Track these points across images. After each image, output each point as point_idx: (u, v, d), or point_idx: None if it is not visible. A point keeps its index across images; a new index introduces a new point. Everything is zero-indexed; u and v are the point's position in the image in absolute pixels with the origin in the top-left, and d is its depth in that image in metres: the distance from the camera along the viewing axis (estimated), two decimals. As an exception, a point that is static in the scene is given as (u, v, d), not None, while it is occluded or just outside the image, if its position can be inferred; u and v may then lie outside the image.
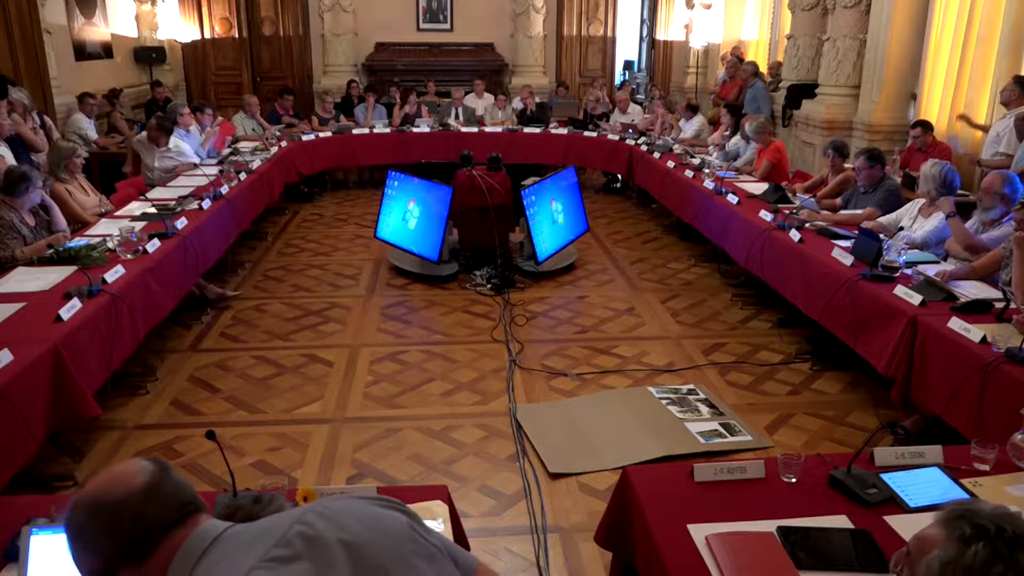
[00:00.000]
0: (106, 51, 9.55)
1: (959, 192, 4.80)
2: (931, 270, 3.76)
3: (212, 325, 4.94)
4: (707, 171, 6.38)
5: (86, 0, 8.98)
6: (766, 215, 4.93)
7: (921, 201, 4.42)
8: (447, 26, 11.74)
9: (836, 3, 7.45)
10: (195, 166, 6.41)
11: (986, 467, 2.20)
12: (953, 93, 6.47)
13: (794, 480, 2.15)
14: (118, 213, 5.09)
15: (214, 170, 6.31)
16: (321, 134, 8.53)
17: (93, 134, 7.56)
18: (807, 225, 4.69)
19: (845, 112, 7.48)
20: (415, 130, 8.87)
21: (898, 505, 2.03)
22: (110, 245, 4.14)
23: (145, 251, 4.15)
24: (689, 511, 2.01)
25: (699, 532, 1.91)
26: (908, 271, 3.76)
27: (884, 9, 6.98)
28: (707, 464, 2.23)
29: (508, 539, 2.86)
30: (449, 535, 1.95)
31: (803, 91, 8.20)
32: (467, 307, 5.25)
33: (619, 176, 9.08)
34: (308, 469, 3.32)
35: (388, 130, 8.88)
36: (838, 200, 5.26)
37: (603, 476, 3.24)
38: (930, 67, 6.73)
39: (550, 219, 5.93)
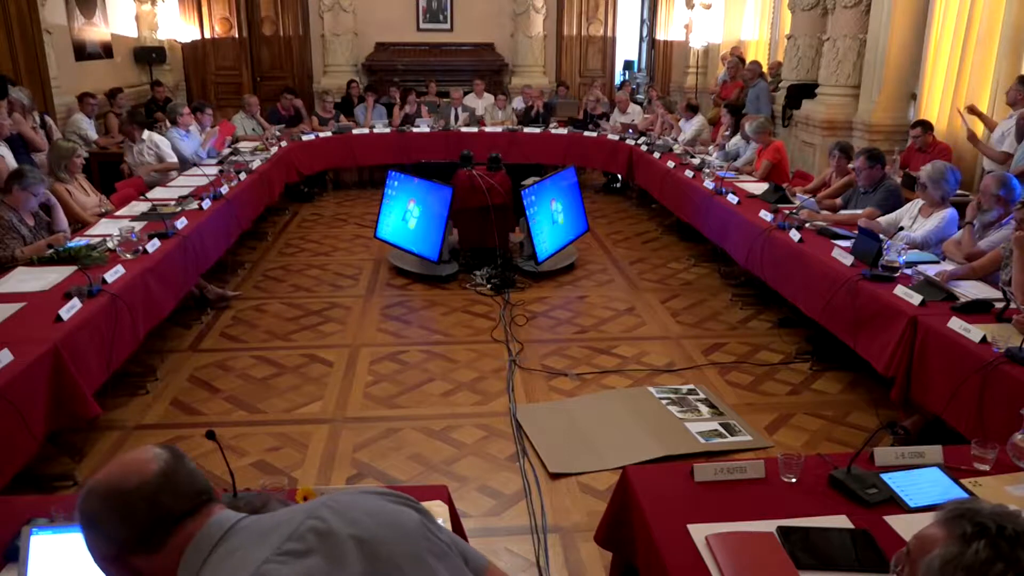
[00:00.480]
0: (106, 51, 9.55)
1: (959, 192, 4.81)
2: (931, 270, 3.77)
3: (212, 325, 4.94)
4: (707, 171, 6.38)
5: (86, 0, 8.98)
6: (766, 215, 4.93)
7: (921, 201, 4.42)
8: (447, 26, 11.74)
9: (836, 3, 7.45)
10: (177, 166, 6.31)
11: (986, 467, 2.20)
12: (953, 93, 6.46)
13: (794, 480, 2.15)
14: (118, 213, 5.09)
15: (214, 170, 6.31)
16: (321, 134, 8.53)
17: (93, 134, 7.56)
18: (807, 225, 4.69)
19: (845, 112, 7.48)
20: (415, 130, 8.87)
21: (898, 505, 2.03)
22: (110, 245, 4.14)
23: (145, 251, 4.15)
24: (689, 511, 2.01)
25: (699, 532, 1.91)
26: (908, 271, 3.76)
27: (884, 9, 6.97)
28: (707, 464, 2.23)
29: (508, 539, 2.86)
30: (449, 535, 1.95)
31: (803, 91, 8.19)
32: (467, 307, 5.25)
33: (619, 176, 9.09)
34: (308, 469, 3.32)
35: (388, 130, 8.88)
36: (838, 200, 5.26)
37: (603, 476, 3.24)
38: (930, 67, 6.73)
39: (550, 219, 5.93)
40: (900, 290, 3.51)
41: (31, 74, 7.19)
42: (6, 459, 2.68)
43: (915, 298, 3.41)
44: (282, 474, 3.17)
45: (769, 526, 1.92)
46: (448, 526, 1.99)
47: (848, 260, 3.99)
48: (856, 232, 4.26)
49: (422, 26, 11.72)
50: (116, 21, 9.87)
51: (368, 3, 11.36)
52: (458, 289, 5.60)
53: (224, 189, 5.62)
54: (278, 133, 8.20)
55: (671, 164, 6.90)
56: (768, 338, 4.74)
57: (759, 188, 5.86)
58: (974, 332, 3.02)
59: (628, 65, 14.62)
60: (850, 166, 5.32)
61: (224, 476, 2.87)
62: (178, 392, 4.04)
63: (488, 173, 5.85)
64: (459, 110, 9.43)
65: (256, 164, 6.67)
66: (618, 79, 13.07)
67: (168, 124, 6.98)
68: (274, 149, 7.45)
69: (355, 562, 1.09)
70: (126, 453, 1.21)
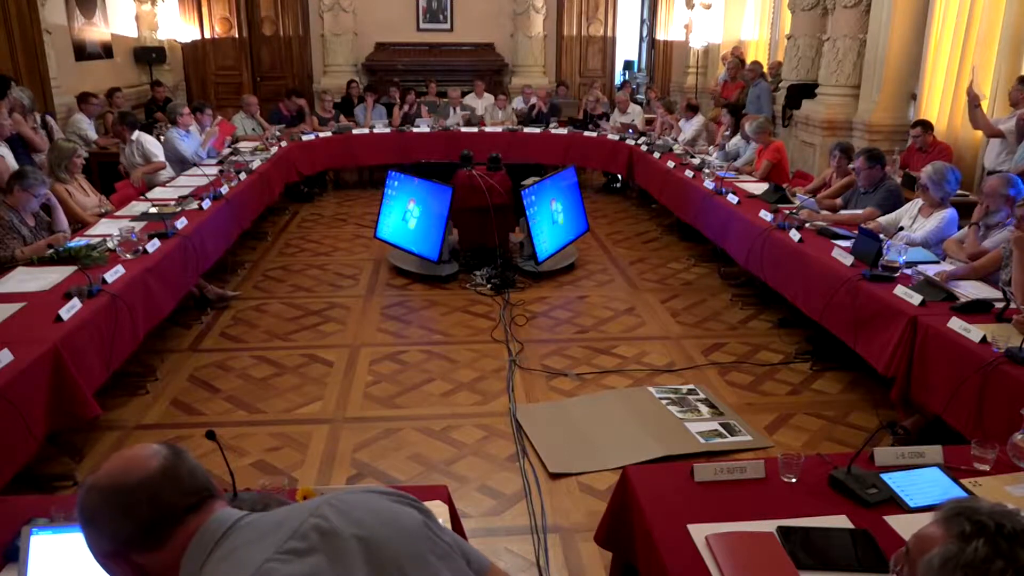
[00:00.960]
0: (106, 51, 9.55)
1: (959, 192, 4.81)
2: (931, 270, 3.77)
3: (212, 325, 4.94)
4: (707, 171, 6.38)
5: (86, 0, 8.98)
6: (766, 215, 4.93)
7: (921, 201, 4.42)
8: (447, 26, 11.74)
9: (836, 3, 7.45)
10: (164, 166, 6.22)
11: (986, 467, 2.20)
12: (953, 93, 6.47)
13: (794, 480, 2.15)
14: (118, 213, 5.09)
15: (214, 170, 6.30)
16: (321, 134, 8.53)
17: (93, 134, 7.55)
18: (807, 225, 4.69)
19: (845, 112, 7.48)
20: (415, 130, 8.87)
21: (898, 505, 2.03)
22: (110, 245, 4.14)
23: (145, 251, 4.15)
24: (689, 511, 2.01)
25: (699, 532, 1.91)
26: (908, 271, 3.76)
27: (884, 9, 6.98)
28: (707, 464, 2.23)
29: (508, 539, 2.86)
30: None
31: (803, 91, 8.20)
32: (467, 307, 5.25)
33: (619, 176, 9.09)
34: (308, 469, 3.32)
35: (388, 130, 8.88)
36: (838, 200, 5.27)
37: (603, 476, 3.24)
38: (930, 67, 6.73)
39: (550, 219, 5.93)
40: (900, 290, 3.51)
41: (31, 74, 7.19)
42: (6, 459, 2.68)
43: (915, 298, 3.41)
44: (282, 474, 3.17)
45: (769, 526, 1.92)
46: (448, 526, 1.98)
47: (848, 260, 3.99)
48: (856, 232, 4.26)
49: (422, 26, 11.72)
50: (116, 21, 9.87)
51: (368, 3, 11.37)
52: (458, 289, 5.60)
53: (224, 189, 5.62)
54: (278, 133, 8.20)
55: (671, 164, 6.90)
56: (768, 338, 4.74)
57: (759, 188, 5.86)
58: (974, 332, 3.02)
59: (628, 65, 14.62)
60: (850, 166, 5.32)
61: (224, 476, 2.86)
62: (178, 392, 4.04)
63: (488, 173, 5.85)
64: (457, 109, 9.42)
65: (256, 164, 6.67)
66: (618, 79, 13.07)
67: (168, 124, 6.97)
68: (274, 149, 7.45)
69: (358, 562, 1.08)
70: (126, 449, 1.20)
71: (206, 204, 5.20)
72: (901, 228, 4.34)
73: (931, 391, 3.19)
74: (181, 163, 6.53)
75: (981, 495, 2.06)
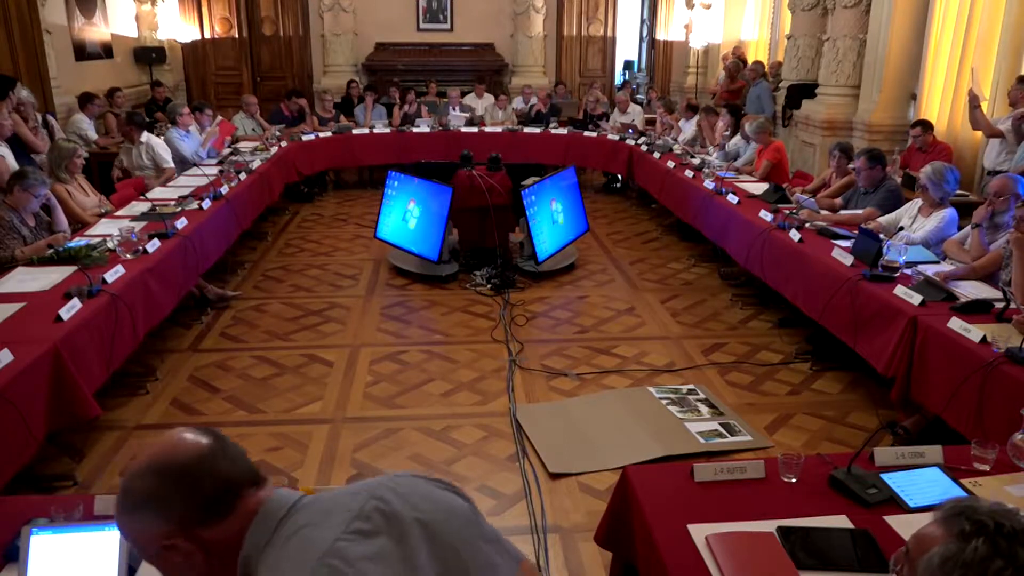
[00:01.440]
0: (106, 51, 9.55)
1: (959, 192, 4.81)
2: (931, 270, 3.77)
3: (212, 325, 4.94)
4: (707, 171, 6.38)
5: (86, 0, 8.98)
6: (766, 215, 4.93)
7: (920, 201, 4.42)
8: (447, 26, 11.75)
9: (836, 3, 7.45)
10: (174, 174, 6.21)
11: (986, 467, 2.20)
12: (953, 93, 6.47)
13: (794, 480, 2.15)
14: (118, 213, 5.09)
15: (214, 170, 6.30)
16: (321, 134, 8.53)
17: (93, 134, 7.56)
18: (807, 225, 4.69)
19: (845, 112, 7.49)
20: (415, 130, 8.87)
21: (898, 505, 2.03)
22: (110, 245, 4.14)
23: (145, 251, 4.15)
24: (689, 511, 2.01)
25: (699, 532, 1.91)
26: (908, 271, 3.76)
27: (884, 9, 6.98)
28: (707, 464, 2.23)
29: (508, 539, 2.85)
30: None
31: (803, 91, 8.20)
32: (467, 307, 5.25)
33: (619, 176, 9.09)
34: (308, 469, 3.32)
35: (388, 130, 8.88)
36: (838, 200, 5.26)
37: (603, 476, 3.24)
38: (930, 67, 6.73)
39: (550, 219, 5.93)
40: (900, 290, 3.51)
41: (31, 74, 7.19)
42: (6, 459, 2.68)
43: (915, 298, 3.41)
44: (282, 474, 3.17)
45: (769, 526, 1.92)
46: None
47: (848, 260, 3.99)
48: (856, 232, 4.26)
49: (422, 26, 11.73)
50: (116, 21, 9.88)
51: (368, 3, 11.38)
52: (458, 289, 5.60)
53: (224, 189, 5.62)
54: (278, 133, 8.20)
55: (671, 164, 6.90)
56: (768, 338, 4.74)
57: (759, 188, 5.86)
58: (974, 332, 3.02)
59: (628, 65, 14.63)
60: (850, 166, 5.32)
61: (224, 476, 2.88)
62: (178, 392, 4.04)
63: (488, 173, 5.85)
64: (456, 108, 9.39)
65: (256, 164, 6.67)
66: (618, 79, 13.08)
67: (168, 124, 6.97)
68: (274, 149, 7.45)
69: (419, 544, 1.10)
70: (163, 435, 1.15)
71: (206, 204, 5.21)
72: (901, 228, 4.34)
73: (931, 391, 3.19)
74: (181, 163, 6.52)
75: (981, 495, 2.06)
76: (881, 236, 4.07)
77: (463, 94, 10.09)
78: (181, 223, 4.73)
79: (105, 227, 4.64)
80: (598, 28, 12.08)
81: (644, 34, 14.18)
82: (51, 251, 4.01)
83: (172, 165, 6.30)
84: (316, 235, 7.12)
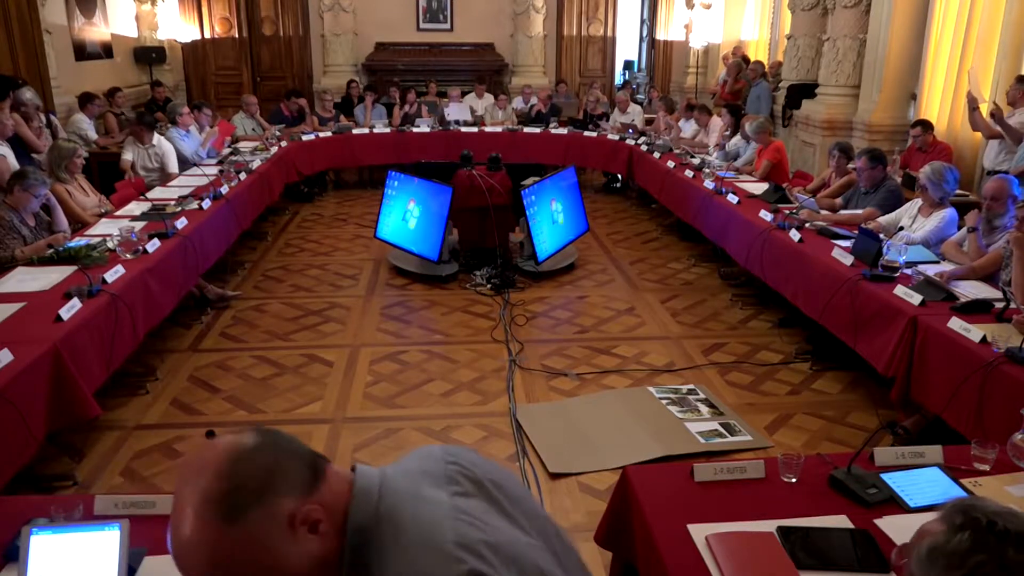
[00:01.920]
0: (106, 51, 9.55)
1: (959, 192, 4.81)
2: (931, 270, 3.76)
3: (212, 325, 4.94)
4: (707, 171, 6.38)
5: (86, 0, 8.98)
6: (766, 215, 4.93)
7: (920, 201, 4.42)
8: (447, 26, 11.74)
9: (836, 3, 7.46)
10: (176, 176, 6.22)
11: (986, 467, 2.20)
12: (953, 93, 6.47)
13: (794, 480, 2.15)
14: (118, 213, 5.09)
15: (214, 170, 6.30)
16: (321, 134, 8.53)
17: (93, 134, 7.55)
18: (807, 225, 4.69)
19: (845, 112, 7.49)
20: (415, 130, 8.86)
21: (898, 505, 2.03)
22: (110, 245, 4.14)
23: (145, 251, 4.15)
24: (689, 511, 2.01)
25: (699, 532, 1.91)
26: (908, 271, 3.76)
27: (884, 9, 6.98)
28: (707, 464, 2.23)
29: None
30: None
31: (803, 91, 8.20)
32: (467, 307, 5.25)
33: (619, 176, 9.09)
34: (308, 469, 3.31)
35: (388, 130, 8.88)
36: (838, 200, 5.26)
37: (603, 476, 3.24)
38: (930, 67, 6.73)
39: (550, 219, 5.93)
40: (900, 290, 3.51)
41: (31, 74, 7.19)
42: (6, 459, 2.68)
43: (915, 298, 3.41)
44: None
45: (769, 526, 1.92)
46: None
47: (848, 260, 3.99)
48: (856, 232, 4.26)
49: (422, 26, 11.72)
50: (116, 21, 9.88)
51: (368, 3, 11.37)
52: (458, 289, 5.60)
53: (224, 189, 5.62)
54: (278, 133, 8.19)
55: (671, 164, 6.90)
56: (768, 338, 4.74)
57: (759, 188, 5.86)
58: (974, 332, 3.02)
59: (628, 65, 14.63)
60: (851, 166, 5.33)
61: (224, 476, 2.88)
62: (178, 392, 4.04)
63: (488, 173, 5.85)
64: (451, 108, 9.36)
65: (256, 164, 6.67)
66: (618, 79, 13.08)
67: (168, 124, 6.97)
68: (274, 149, 7.45)
69: (500, 502, 1.09)
70: (205, 447, 1.00)
71: (206, 204, 5.20)
72: (901, 228, 4.34)
73: (931, 391, 3.19)
74: (181, 163, 6.52)
75: (981, 495, 2.06)
76: (881, 236, 4.07)
77: (463, 94, 10.08)
78: (181, 223, 4.73)
79: (105, 227, 4.64)
80: (598, 28, 12.08)
81: (644, 34, 14.18)
82: (51, 251, 4.01)
83: (177, 169, 6.31)
84: (316, 235, 7.12)
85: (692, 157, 7.12)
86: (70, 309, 3.26)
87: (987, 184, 3.98)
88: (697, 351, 4.55)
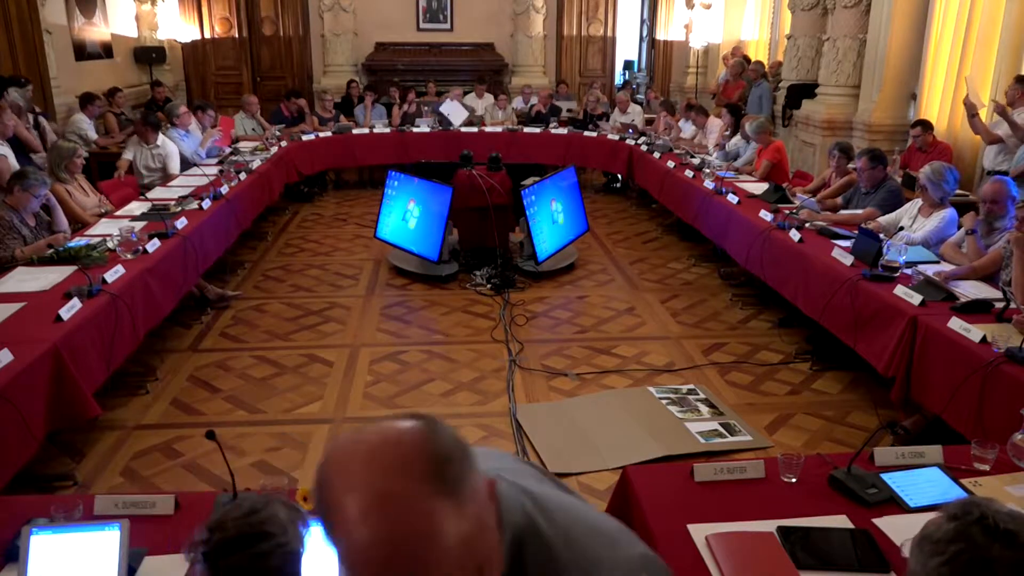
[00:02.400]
0: (106, 51, 9.55)
1: (959, 192, 4.80)
2: (931, 270, 3.76)
3: (212, 325, 4.94)
4: (707, 171, 6.38)
5: (86, 0, 8.98)
6: (766, 215, 4.93)
7: (920, 201, 4.42)
8: (447, 26, 11.74)
9: (836, 3, 7.45)
10: (177, 176, 6.21)
11: (986, 467, 2.20)
12: (953, 93, 6.47)
13: (794, 480, 2.15)
14: (118, 213, 5.09)
15: (214, 170, 6.30)
16: (321, 134, 8.53)
17: (93, 134, 7.55)
18: (807, 225, 4.69)
19: (845, 112, 7.48)
20: (415, 130, 8.86)
21: (898, 505, 2.03)
22: (110, 245, 4.15)
23: (145, 251, 4.15)
24: (689, 511, 2.01)
25: (699, 532, 1.91)
26: (908, 271, 3.76)
27: (884, 9, 6.98)
28: (707, 464, 2.23)
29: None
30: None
31: (803, 91, 8.20)
32: (467, 307, 5.25)
33: (619, 176, 9.09)
34: (308, 469, 3.31)
35: (388, 130, 8.88)
36: (839, 200, 5.26)
37: (603, 476, 3.24)
38: (930, 67, 6.73)
39: (550, 219, 5.93)
40: (900, 290, 3.51)
41: (31, 74, 7.20)
42: (6, 459, 2.68)
43: (915, 298, 3.41)
44: (282, 474, 3.16)
45: (769, 526, 1.92)
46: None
47: (848, 260, 3.99)
48: (856, 232, 4.26)
49: (422, 26, 11.72)
50: (116, 21, 9.87)
51: (368, 3, 11.37)
52: (458, 289, 5.60)
53: (224, 189, 5.62)
54: (278, 133, 8.19)
55: (671, 164, 6.90)
56: (768, 338, 4.74)
57: (759, 188, 5.85)
58: (974, 332, 3.02)
59: (628, 65, 14.62)
60: (851, 167, 5.32)
61: (224, 476, 2.87)
62: (178, 392, 4.03)
63: (488, 173, 5.85)
64: (445, 105, 9.33)
65: (256, 164, 6.67)
66: (618, 79, 13.07)
67: (168, 124, 6.96)
68: (274, 149, 7.45)
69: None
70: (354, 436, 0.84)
71: (206, 204, 5.20)
72: (901, 228, 4.34)
73: (931, 391, 3.19)
74: (181, 163, 6.52)
75: (981, 495, 2.06)
76: (881, 236, 4.07)
77: (464, 94, 10.08)
78: (181, 223, 4.73)
79: (105, 227, 4.64)
80: (598, 28, 12.07)
81: (644, 34, 14.18)
82: (51, 251, 4.01)
83: (179, 169, 6.31)
84: (316, 235, 7.12)
85: (692, 157, 7.12)
86: (70, 309, 3.26)
87: (984, 187, 3.97)
88: (697, 351, 4.55)
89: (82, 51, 8.86)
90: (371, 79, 11.08)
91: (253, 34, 11.40)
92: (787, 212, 4.98)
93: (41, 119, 6.58)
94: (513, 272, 5.75)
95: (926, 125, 6.06)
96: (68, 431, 3.39)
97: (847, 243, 4.23)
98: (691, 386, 4.07)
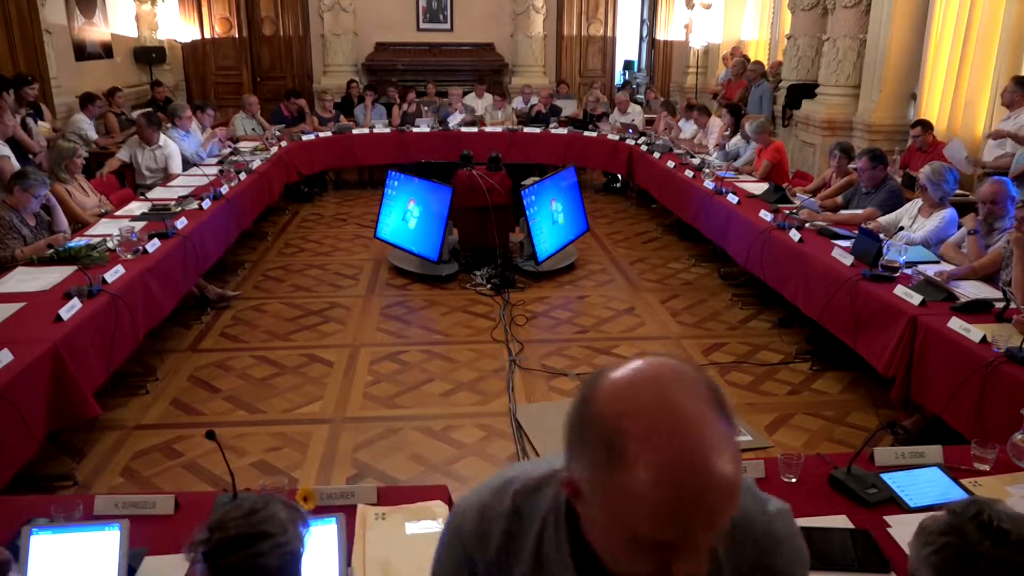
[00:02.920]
0: (106, 51, 9.55)
1: (959, 192, 4.80)
2: (931, 270, 3.76)
3: (212, 325, 4.94)
4: (707, 171, 6.38)
5: (86, 0, 8.98)
6: (766, 215, 4.93)
7: (920, 201, 4.42)
8: (447, 26, 11.74)
9: (836, 3, 7.46)
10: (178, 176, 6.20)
11: (986, 467, 2.20)
12: (953, 93, 6.47)
13: (794, 480, 2.15)
14: (118, 213, 5.09)
15: (214, 170, 6.30)
16: (321, 134, 8.53)
17: (93, 134, 7.55)
18: (807, 225, 4.69)
19: (845, 112, 7.49)
20: (415, 130, 8.86)
21: (898, 505, 2.03)
22: (110, 245, 4.15)
23: (145, 251, 4.15)
24: (689, 511, 2.00)
25: (699, 532, 1.91)
26: (908, 271, 3.76)
27: (884, 9, 6.98)
28: (707, 464, 2.22)
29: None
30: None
31: (803, 91, 8.20)
32: (467, 307, 5.25)
33: (619, 176, 9.09)
34: (308, 469, 3.32)
35: (388, 130, 8.87)
36: (839, 199, 5.26)
37: (603, 476, 3.23)
38: (930, 67, 6.73)
39: (550, 219, 5.93)
40: (900, 290, 3.51)
41: (31, 74, 7.19)
42: (6, 459, 2.68)
43: (915, 298, 3.41)
44: (282, 474, 3.17)
45: (769, 526, 1.92)
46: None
47: (848, 260, 3.99)
48: (856, 232, 4.26)
49: (422, 26, 11.72)
50: (116, 21, 9.88)
51: (368, 3, 11.37)
52: (458, 289, 5.60)
53: (224, 189, 5.62)
54: (278, 133, 8.19)
55: (671, 164, 6.90)
56: (768, 338, 4.74)
57: (759, 188, 5.85)
58: (974, 332, 3.01)
59: (628, 65, 14.62)
60: (851, 167, 5.32)
61: (224, 476, 2.87)
62: (178, 392, 4.03)
63: (488, 173, 5.85)
64: (453, 117, 9.37)
65: (256, 164, 6.67)
66: (618, 79, 13.07)
67: (169, 124, 6.96)
68: (274, 149, 7.45)
69: None
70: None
71: (206, 204, 5.20)
72: (901, 228, 4.34)
73: (931, 391, 3.19)
74: (185, 162, 6.52)
75: (981, 495, 2.06)
76: (881, 236, 4.07)
77: (464, 93, 10.08)
78: (181, 223, 4.73)
79: (105, 227, 4.64)
80: (598, 28, 12.07)
81: (644, 34, 14.18)
82: (51, 251, 4.01)
83: (180, 170, 6.31)
84: (316, 235, 7.12)
85: (692, 157, 7.12)
86: (70, 309, 3.26)
87: (983, 187, 3.97)
88: (697, 351, 4.55)
89: (82, 51, 8.86)
90: (371, 79, 11.08)
91: (253, 34, 11.40)
92: (787, 212, 4.99)
93: (29, 120, 6.45)
94: (513, 272, 5.75)
95: (926, 125, 6.06)
96: (68, 431, 3.39)
97: (847, 243, 4.23)
98: (691, 386, 4.06)
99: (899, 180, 5.41)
